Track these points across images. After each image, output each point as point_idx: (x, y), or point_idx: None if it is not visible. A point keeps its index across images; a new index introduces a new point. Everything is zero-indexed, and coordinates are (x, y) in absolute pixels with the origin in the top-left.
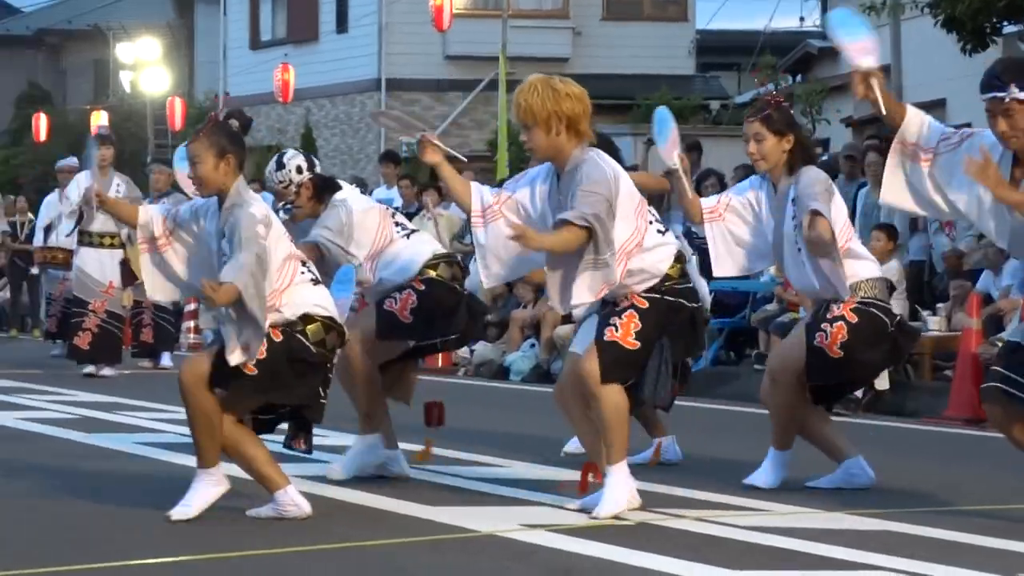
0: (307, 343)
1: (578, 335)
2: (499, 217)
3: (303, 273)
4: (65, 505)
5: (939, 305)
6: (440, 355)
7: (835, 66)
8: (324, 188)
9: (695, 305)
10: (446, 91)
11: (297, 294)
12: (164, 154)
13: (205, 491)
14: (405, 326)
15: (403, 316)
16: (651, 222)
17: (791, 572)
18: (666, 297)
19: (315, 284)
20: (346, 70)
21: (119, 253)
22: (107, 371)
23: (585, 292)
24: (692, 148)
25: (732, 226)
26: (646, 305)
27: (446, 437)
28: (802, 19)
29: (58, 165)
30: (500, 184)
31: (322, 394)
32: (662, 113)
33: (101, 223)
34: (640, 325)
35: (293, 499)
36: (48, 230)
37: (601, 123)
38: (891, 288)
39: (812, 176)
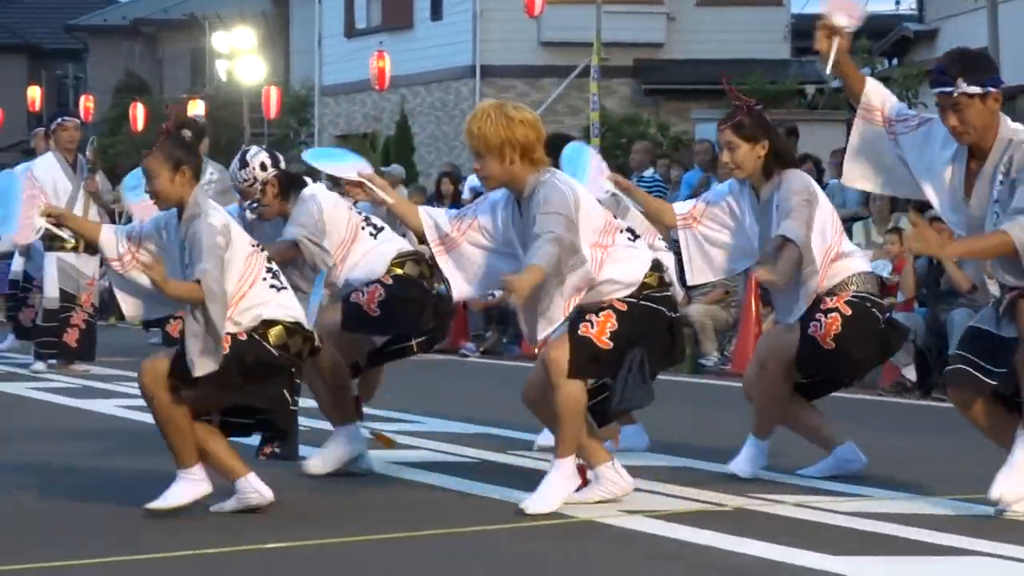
0: (268, 345)
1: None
2: (460, 244)
3: (264, 279)
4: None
5: None
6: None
7: (931, 50)
8: (290, 185)
9: (674, 314)
10: (540, 77)
11: (258, 299)
12: (260, 143)
13: (184, 489)
14: (372, 319)
15: (370, 309)
16: (621, 232)
17: (891, 558)
18: (644, 303)
19: (278, 290)
20: (441, 57)
21: None
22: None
23: (559, 309)
24: (790, 133)
25: (708, 231)
26: (624, 308)
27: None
28: (898, 2)
29: None
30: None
31: (289, 399)
32: (569, 152)
33: None
34: (616, 326)
35: (255, 487)
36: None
37: (696, 108)
38: (882, 284)
39: (791, 185)
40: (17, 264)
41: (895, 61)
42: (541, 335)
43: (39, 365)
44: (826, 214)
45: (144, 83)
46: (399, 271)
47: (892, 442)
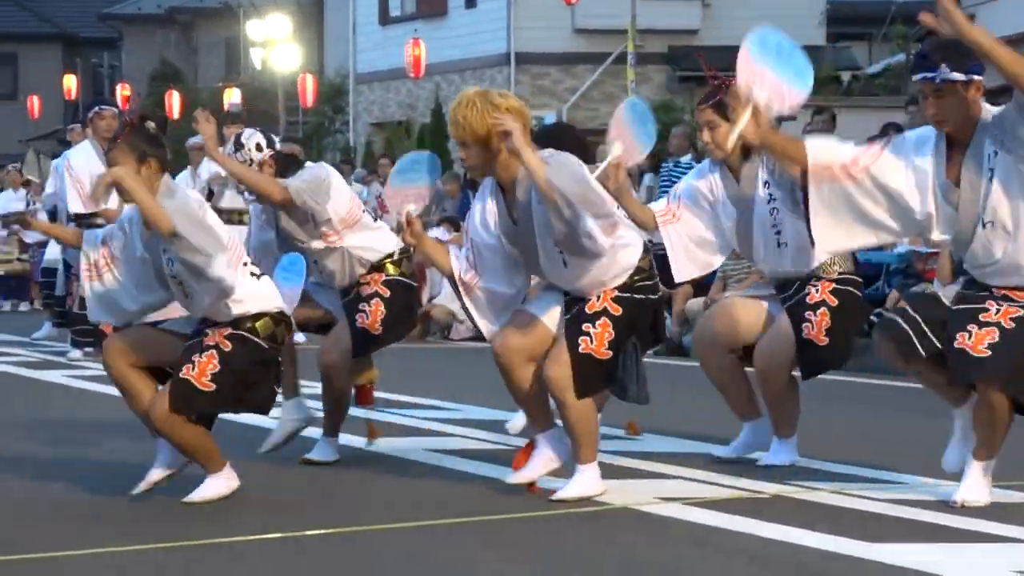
0: (258, 340)
1: (538, 300)
2: (474, 291)
3: (245, 264)
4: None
5: None
6: None
7: None
8: (287, 165)
9: (656, 297)
10: (575, 64)
11: (244, 289)
12: (295, 131)
13: (218, 484)
14: (377, 338)
15: (375, 329)
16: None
17: (929, 545)
18: (635, 296)
19: (258, 278)
20: (476, 45)
21: (247, 230)
22: None
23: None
24: (831, 119)
25: (689, 225)
26: (619, 312)
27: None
28: None
29: (189, 143)
30: None
31: (277, 391)
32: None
33: (229, 199)
34: (613, 335)
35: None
36: None
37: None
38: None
39: None
40: (50, 252)
41: None
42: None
43: (76, 353)
44: None
45: (179, 72)
46: (392, 269)
47: (929, 429)
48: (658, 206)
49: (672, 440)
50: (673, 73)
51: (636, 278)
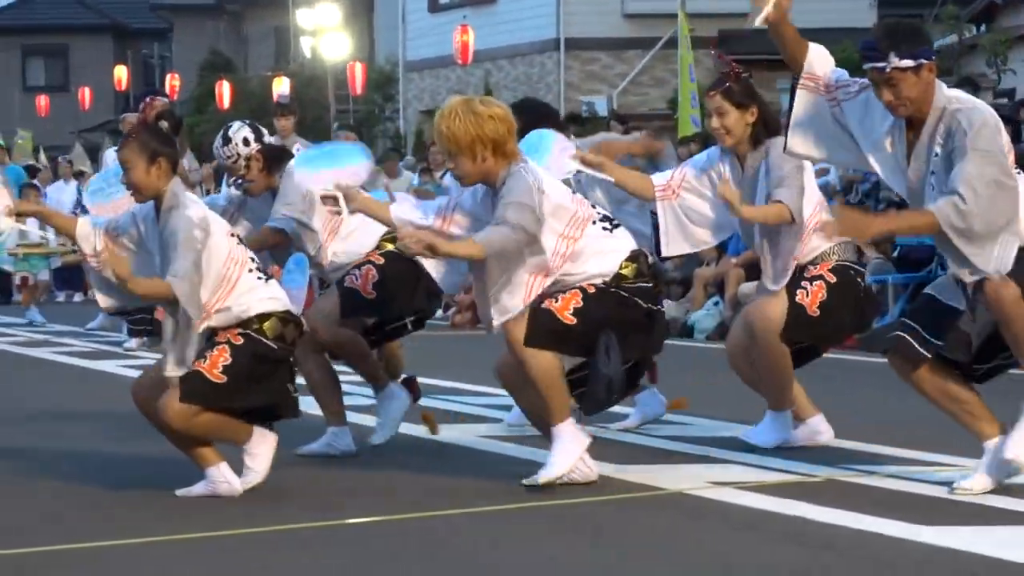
0: (267, 341)
1: None
2: (445, 236)
3: (250, 271)
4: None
5: None
6: None
7: (1020, 15)
8: (275, 159)
9: (651, 307)
10: (625, 50)
11: (247, 292)
12: (346, 119)
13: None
14: (369, 302)
15: (366, 292)
16: (595, 222)
17: (984, 528)
18: (615, 290)
19: (265, 281)
20: (525, 31)
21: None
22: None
23: (518, 297)
24: None
25: (688, 203)
26: (592, 291)
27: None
28: None
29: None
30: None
31: (291, 389)
32: (532, 139)
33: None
34: (582, 303)
35: (225, 476)
36: None
37: (781, 79)
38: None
39: (782, 151)
40: None
41: (983, 27)
42: (497, 321)
43: (132, 343)
44: (811, 184)
45: (229, 61)
46: (390, 247)
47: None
48: (659, 179)
49: (722, 424)
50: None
51: (619, 284)
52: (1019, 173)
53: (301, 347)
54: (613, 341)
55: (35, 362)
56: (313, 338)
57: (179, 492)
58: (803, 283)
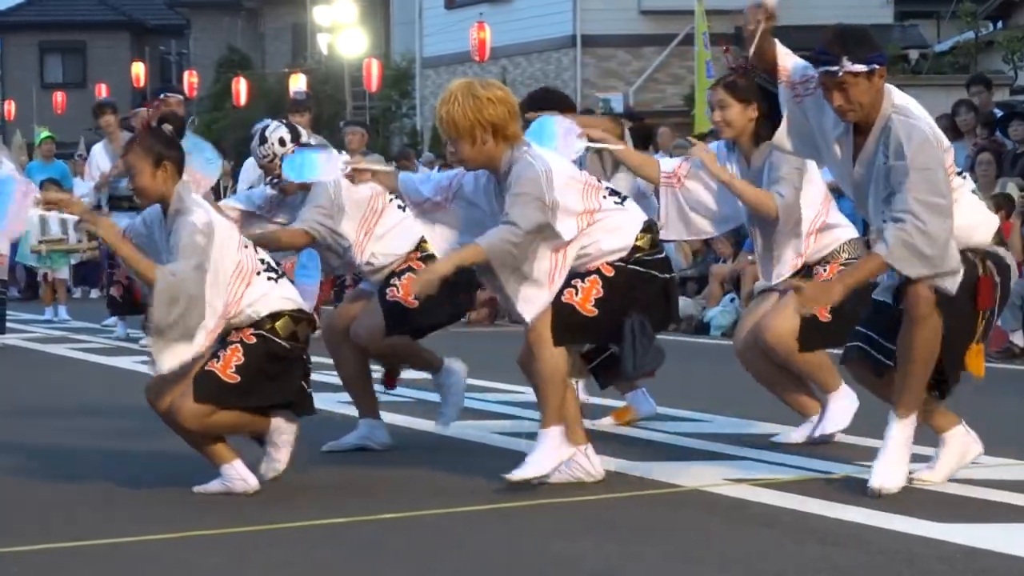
0: (279, 340)
1: None
2: (445, 208)
3: (259, 274)
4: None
5: None
6: None
7: None
8: None
9: (667, 276)
10: (641, 46)
11: (259, 293)
12: (361, 116)
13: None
14: (412, 312)
15: (408, 302)
16: (605, 196)
17: (997, 525)
18: (633, 267)
19: (276, 281)
20: (541, 27)
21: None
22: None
23: (543, 288)
24: None
25: (692, 193)
26: (612, 273)
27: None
28: None
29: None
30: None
31: (306, 387)
32: (534, 128)
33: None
34: (602, 292)
35: (240, 473)
36: None
37: None
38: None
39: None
40: None
41: (1000, 24)
42: (528, 316)
43: (148, 340)
44: (815, 184)
45: (246, 58)
46: (429, 247)
47: (1002, 408)
48: (667, 165)
49: (738, 421)
50: (741, 54)
51: (635, 256)
52: (964, 178)
53: (332, 340)
54: (640, 322)
55: (52, 359)
56: (343, 329)
57: (196, 489)
58: None
